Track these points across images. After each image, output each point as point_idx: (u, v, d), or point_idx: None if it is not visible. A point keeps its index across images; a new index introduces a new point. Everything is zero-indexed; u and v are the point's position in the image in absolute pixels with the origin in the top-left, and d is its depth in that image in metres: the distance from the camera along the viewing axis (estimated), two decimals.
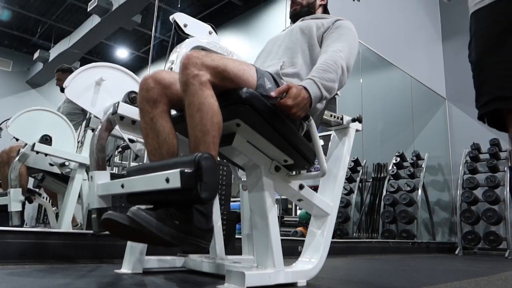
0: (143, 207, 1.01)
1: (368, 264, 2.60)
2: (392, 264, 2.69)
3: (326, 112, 1.62)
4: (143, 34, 9.36)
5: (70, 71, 3.40)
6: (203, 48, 1.65)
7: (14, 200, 2.49)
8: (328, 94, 1.25)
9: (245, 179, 1.46)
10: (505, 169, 4.66)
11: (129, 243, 1.51)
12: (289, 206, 5.77)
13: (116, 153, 4.09)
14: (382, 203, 4.86)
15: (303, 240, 1.53)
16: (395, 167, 5.16)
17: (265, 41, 1.73)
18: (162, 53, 6.41)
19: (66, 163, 2.67)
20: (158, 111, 1.20)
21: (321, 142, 1.34)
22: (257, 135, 1.22)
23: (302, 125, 1.37)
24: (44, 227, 4.17)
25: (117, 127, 1.49)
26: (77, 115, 3.21)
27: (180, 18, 1.63)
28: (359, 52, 1.52)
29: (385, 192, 4.93)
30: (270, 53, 1.58)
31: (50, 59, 9.18)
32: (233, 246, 1.95)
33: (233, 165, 1.69)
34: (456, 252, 4.69)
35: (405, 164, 5.26)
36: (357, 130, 1.72)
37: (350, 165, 5.13)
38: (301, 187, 1.43)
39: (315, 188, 1.53)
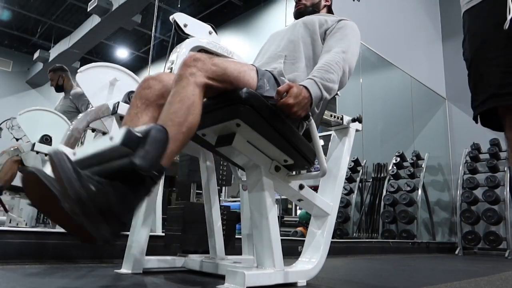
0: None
1: (368, 264, 2.60)
2: (392, 264, 2.69)
3: (326, 112, 1.62)
4: (143, 34, 9.37)
5: (61, 69, 3.40)
6: (203, 48, 1.65)
7: None
8: (328, 95, 1.25)
9: (245, 179, 1.46)
10: (505, 169, 4.66)
11: (129, 242, 1.51)
12: (289, 206, 5.77)
13: None
14: (382, 203, 4.86)
15: (303, 240, 1.53)
16: (395, 167, 5.16)
17: (265, 41, 1.73)
18: (162, 53, 6.41)
19: None
20: (146, 110, 1.17)
21: (321, 142, 1.34)
22: (257, 135, 1.22)
23: (302, 125, 1.37)
24: (44, 227, 4.17)
25: (112, 125, 1.49)
26: (72, 113, 3.22)
27: (180, 18, 1.64)
28: (359, 52, 1.52)
29: (385, 192, 4.93)
30: (271, 46, 1.59)
31: (50, 59, 9.18)
32: (233, 246, 1.95)
33: (233, 165, 1.69)
34: (456, 252, 4.69)
35: (405, 164, 5.26)
36: (357, 130, 1.72)
37: (350, 165, 5.13)
38: (301, 187, 1.43)
39: (315, 188, 1.53)
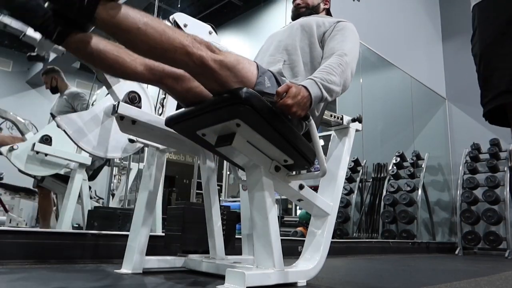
0: None
1: (368, 264, 2.60)
2: (392, 264, 2.69)
3: (326, 112, 1.62)
4: None
5: (53, 71, 3.42)
6: None
7: None
8: (329, 96, 1.24)
9: (245, 179, 1.46)
10: (505, 169, 4.66)
11: (129, 243, 1.51)
12: (289, 206, 5.77)
13: None
14: (382, 203, 4.86)
15: (303, 240, 1.53)
16: (395, 167, 5.16)
17: (263, 43, 1.73)
18: None
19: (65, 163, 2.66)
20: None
21: (321, 142, 1.34)
22: (257, 135, 1.22)
23: (302, 125, 1.37)
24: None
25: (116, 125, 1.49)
26: (68, 113, 3.22)
27: (180, 18, 1.64)
28: (359, 53, 1.52)
29: (385, 192, 4.93)
30: (269, 48, 1.58)
31: (50, 59, 9.17)
32: (233, 246, 1.95)
33: (233, 165, 1.69)
34: (456, 252, 4.69)
35: (405, 164, 5.26)
36: (357, 130, 1.72)
37: (350, 165, 5.13)
38: (301, 187, 1.43)
39: (315, 188, 1.53)
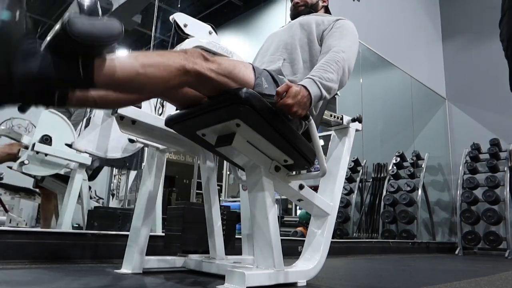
0: None
1: (368, 264, 2.60)
2: (392, 264, 2.69)
3: (326, 112, 1.62)
4: (143, 34, 9.36)
5: None
6: (203, 48, 1.65)
7: None
8: (328, 94, 1.25)
9: (245, 179, 1.46)
10: (505, 169, 4.66)
11: (129, 243, 1.51)
12: (289, 206, 5.77)
13: None
14: (382, 203, 4.86)
15: (303, 240, 1.53)
16: (395, 167, 5.16)
17: (263, 42, 1.73)
18: None
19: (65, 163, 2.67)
20: None
21: (321, 142, 1.34)
22: (257, 135, 1.22)
23: (302, 125, 1.37)
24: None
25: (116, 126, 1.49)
26: (64, 113, 3.24)
27: (180, 18, 1.63)
28: (359, 52, 1.52)
29: (385, 192, 4.93)
30: (269, 48, 1.59)
31: None
32: (233, 246, 1.95)
33: (233, 165, 1.69)
34: (456, 252, 4.69)
35: (405, 164, 5.26)
36: (357, 130, 1.72)
37: (350, 165, 5.13)
38: (301, 187, 1.43)
39: (315, 188, 1.53)
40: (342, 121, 1.69)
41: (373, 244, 3.89)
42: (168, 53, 1.04)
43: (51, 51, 0.86)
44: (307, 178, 1.43)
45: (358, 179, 5.12)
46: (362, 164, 5.17)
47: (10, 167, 2.60)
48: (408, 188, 4.92)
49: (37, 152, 2.49)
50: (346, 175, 4.13)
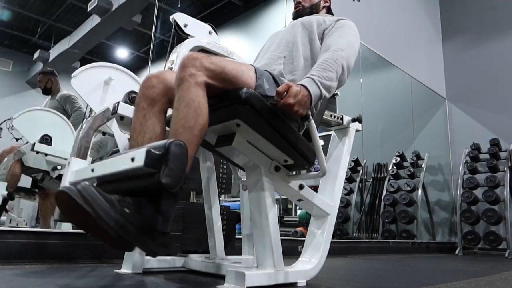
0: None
1: (368, 264, 2.60)
2: (392, 264, 2.69)
3: (326, 112, 1.62)
4: (143, 34, 9.35)
5: (52, 74, 3.50)
6: (203, 48, 1.65)
7: None
8: (327, 93, 1.25)
9: (245, 179, 1.46)
10: (505, 169, 4.66)
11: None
12: (289, 206, 5.77)
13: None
14: (382, 203, 4.86)
15: (303, 240, 1.53)
16: (395, 167, 5.16)
17: (265, 41, 1.73)
18: (162, 53, 6.40)
19: (58, 167, 2.67)
20: (153, 110, 1.19)
21: (321, 142, 1.34)
22: (257, 135, 1.22)
23: (302, 125, 1.37)
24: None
25: (115, 126, 1.49)
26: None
27: (180, 18, 1.63)
28: (359, 52, 1.52)
29: (385, 192, 4.93)
30: (271, 46, 1.59)
31: (50, 59, 9.17)
32: (233, 246, 1.95)
33: (233, 165, 1.69)
34: (456, 252, 4.69)
35: (405, 164, 5.26)
36: (357, 130, 1.72)
37: (350, 165, 5.13)
38: (301, 187, 1.43)
39: (315, 188, 1.53)
40: (342, 121, 1.69)
41: (373, 244, 3.89)
42: (185, 94, 1.05)
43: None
44: (307, 178, 1.43)
45: (358, 179, 5.12)
46: (362, 164, 5.18)
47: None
48: (408, 188, 4.92)
49: (37, 152, 2.49)
50: (346, 175, 4.13)
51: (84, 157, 1.35)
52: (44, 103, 3.55)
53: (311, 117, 1.24)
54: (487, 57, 5.57)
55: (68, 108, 3.26)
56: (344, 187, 4.87)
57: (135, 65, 10.10)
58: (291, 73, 1.43)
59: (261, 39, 1.77)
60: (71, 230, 2.22)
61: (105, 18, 7.26)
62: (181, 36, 1.65)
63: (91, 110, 1.79)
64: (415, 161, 5.23)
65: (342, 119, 1.69)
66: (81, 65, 2.32)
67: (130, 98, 1.50)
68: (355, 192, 5.04)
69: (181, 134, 1.00)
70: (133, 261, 1.46)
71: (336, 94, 1.51)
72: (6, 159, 2.55)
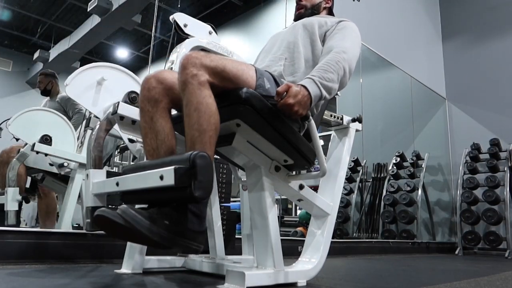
0: (137, 206, 1.00)
1: (368, 264, 2.60)
2: (392, 264, 2.69)
3: (326, 112, 1.62)
4: (143, 34, 9.36)
5: (53, 76, 3.50)
6: (203, 48, 1.65)
7: (11, 199, 2.49)
8: (328, 94, 1.25)
9: (245, 179, 1.46)
10: (505, 169, 4.66)
11: (129, 243, 1.51)
12: (289, 206, 5.77)
13: (116, 153, 4.08)
14: (382, 203, 4.86)
15: (303, 240, 1.53)
16: (395, 167, 5.16)
17: (265, 41, 1.73)
18: (162, 53, 6.41)
19: (65, 164, 2.67)
20: (158, 111, 1.20)
21: (321, 142, 1.34)
22: (257, 135, 1.22)
23: (302, 125, 1.37)
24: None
25: (116, 127, 1.49)
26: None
27: (180, 18, 1.63)
28: (359, 53, 1.52)
29: (385, 192, 4.93)
30: (272, 47, 1.59)
31: (50, 59, 9.18)
32: (233, 246, 1.95)
33: (233, 165, 1.69)
34: (456, 252, 4.69)
35: (405, 164, 5.26)
36: (357, 130, 1.72)
37: (350, 165, 5.13)
38: (301, 187, 1.43)
39: (315, 188, 1.53)
40: (342, 121, 1.69)
41: (373, 244, 3.89)
42: (191, 98, 1.07)
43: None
44: (307, 178, 1.43)
45: (358, 179, 5.12)
46: (362, 164, 5.17)
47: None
48: (408, 188, 4.92)
49: (37, 152, 2.49)
50: (346, 175, 4.13)
51: (100, 166, 1.36)
52: (42, 103, 3.54)
53: (311, 117, 1.24)
54: (487, 57, 5.57)
55: (69, 110, 3.27)
56: (344, 187, 4.87)
57: (135, 65, 10.11)
58: (292, 74, 1.43)
59: (261, 39, 1.77)
60: (71, 230, 2.21)
61: (105, 18, 7.26)
62: (181, 36, 1.65)
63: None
64: (415, 161, 5.23)
65: (342, 119, 1.69)
66: (81, 65, 2.32)
67: (130, 98, 1.50)
68: (355, 192, 5.04)
69: (197, 140, 1.04)
70: (133, 261, 1.46)
71: (336, 94, 1.51)
72: (12, 166, 2.56)
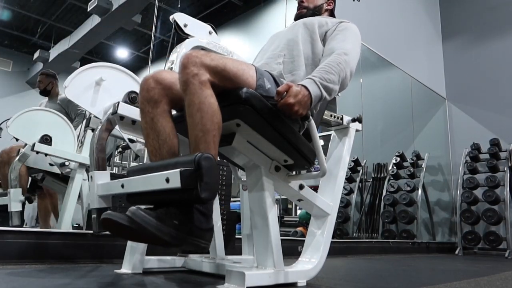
0: (142, 206, 1.00)
1: (368, 264, 2.60)
2: (392, 264, 2.69)
3: (326, 112, 1.62)
4: (143, 34, 9.36)
5: (54, 77, 3.51)
6: (203, 48, 1.65)
7: (14, 200, 2.50)
8: (328, 95, 1.25)
9: (245, 179, 1.46)
10: (505, 169, 4.66)
11: (129, 243, 1.51)
12: (289, 206, 5.77)
13: (116, 153, 4.09)
14: (382, 203, 4.86)
15: (303, 240, 1.53)
16: (395, 167, 5.16)
17: (265, 41, 1.73)
18: (162, 53, 6.40)
19: (66, 163, 2.68)
20: (159, 111, 1.20)
21: (321, 142, 1.34)
22: (257, 135, 1.22)
23: (302, 125, 1.37)
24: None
25: (117, 127, 1.49)
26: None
27: (180, 18, 1.63)
28: (359, 54, 1.52)
29: (385, 192, 4.93)
30: (271, 46, 1.59)
31: (50, 59, 9.17)
32: (233, 246, 1.95)
33: (233, 165, 1.69)
34: (456, 252, 4.69)
35: (405, 164, 5.26)
36: (357, 130, 1.72)
37: (350, 165, 5.13)
38: (301, 187, 1.43)
39: (315, 188, 1.53)
40: (342, 121, 1.69)
41: (373, 244, 3.89)
42: (193, 98, 1.07)
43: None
44: (307, 178, 1.43)
45: (358, 179, 5.12)
46: (362, 164, 5.17)
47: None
48: (408, 188, 4.92)
49: (37, 152, 2.49)
50: (346, 175, 4.13)
51: (104, 168, 1.37)
52: (40, 103, 3.54)
53: (311, 117, 1.24)
54: (487, 57, 5.57)
55: (71, 112, 3.27)
56: (344, 187, 4.87)
57: (135, 65, 10.10)
58: (291, 72, 1.43)
59: (261, 39, 1.77)
60: (71, 230, 2.21)
61: (105, 18, 7.26)
62: (181, 36, 1.65)
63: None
64: (415, 161, 5.23)
65: (342, 119, 1.69)
66: (81, 65, 2.32)
67: (130, 98, 1.50)
68: (355, 192, 5.04)
69: (201, 140, 1.05)
70: (133, 261, 1.46)
71: (337, 94, 1.51)
72: (14, 166, 2.56)
